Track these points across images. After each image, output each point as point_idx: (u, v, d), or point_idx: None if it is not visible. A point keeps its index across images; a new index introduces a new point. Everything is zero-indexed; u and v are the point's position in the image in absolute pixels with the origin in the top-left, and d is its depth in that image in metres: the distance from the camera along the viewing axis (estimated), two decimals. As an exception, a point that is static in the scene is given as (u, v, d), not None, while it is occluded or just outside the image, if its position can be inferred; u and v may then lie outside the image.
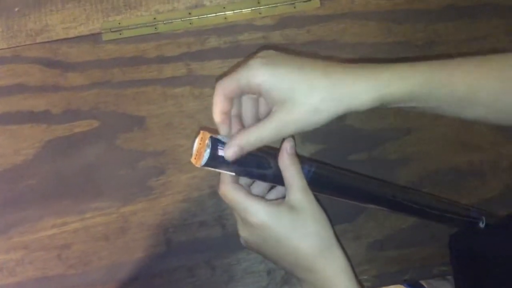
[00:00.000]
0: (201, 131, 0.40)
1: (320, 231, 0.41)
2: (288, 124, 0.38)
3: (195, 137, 0.40)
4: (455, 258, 0.52)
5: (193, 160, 0.40)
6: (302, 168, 0.42)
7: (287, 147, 0.41)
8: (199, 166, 0.39)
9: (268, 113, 0.39)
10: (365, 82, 0.37)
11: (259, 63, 0.38)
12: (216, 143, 0.39)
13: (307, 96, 0.37)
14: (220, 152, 0.39)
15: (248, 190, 0.43)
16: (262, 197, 0.43)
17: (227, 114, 0.41)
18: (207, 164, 0.39)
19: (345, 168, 0.48)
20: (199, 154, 0.39)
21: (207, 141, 0.39)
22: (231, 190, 0.41)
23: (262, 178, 0.42)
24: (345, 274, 0.41)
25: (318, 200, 0.42)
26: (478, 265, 0.49)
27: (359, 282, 0.42)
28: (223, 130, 0.41)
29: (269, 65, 0.38)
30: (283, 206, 0.41)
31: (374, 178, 0.49)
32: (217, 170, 0.41)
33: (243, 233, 0.43)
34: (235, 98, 0.41)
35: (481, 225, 0.49)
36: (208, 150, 0.39)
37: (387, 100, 0.38)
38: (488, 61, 0.41)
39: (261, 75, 0.37)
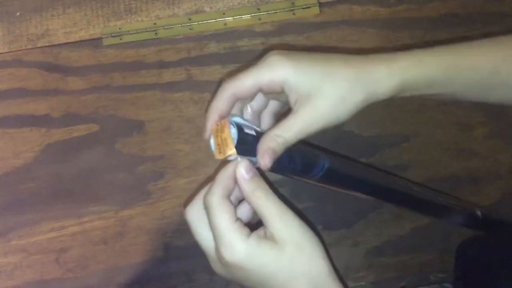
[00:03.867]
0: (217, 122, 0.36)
1: (311, 270, 0.34)
2: (316, 119, 0.35)
3: (214, 130, 0.35)
4: (461, 266, 0.52)
5: (218, 155, 0.34)
6: (315, 164, 0.38)
7: (241, 171, 0.34)
8: (229, 154, 0.33)
9: (288, 111, 0.36)
10: (386, 67, 0.36)
11: (279, 58, 0.35)
12: (240, 125, 0.35)
13: (333, 86, 0.35)
14: (247, 130, 0.35)
15: (233, 214, 0.35)
16: (244, 226, 0.34)
17: (221, 118, 0.37)
18: (238, 146, 0.34)
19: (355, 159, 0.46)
20: (223, 143, 0.34)
21: (230, 125, 0.35)
22: (218, 211, 0.34)
23: (292, 172, 0.38)
24: None
25: (306, 219, 0.36)
26: (486, 274, 0.49)
27: None
28: (207, 135, 0.36)
29: (291, 59, 0.35)
30: (266, 241, 0.34)
31: (382, 170, 0.47)
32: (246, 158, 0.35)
33: (218, 270, 0.35)
34: (243, 100, 0.37)
35: (478, 213, 0.49)
36: (234, 130, 0.34)
37: (408, 86, 0.37)
38: (510, 40, 0.39)
39: (285, 70, 0.35)
